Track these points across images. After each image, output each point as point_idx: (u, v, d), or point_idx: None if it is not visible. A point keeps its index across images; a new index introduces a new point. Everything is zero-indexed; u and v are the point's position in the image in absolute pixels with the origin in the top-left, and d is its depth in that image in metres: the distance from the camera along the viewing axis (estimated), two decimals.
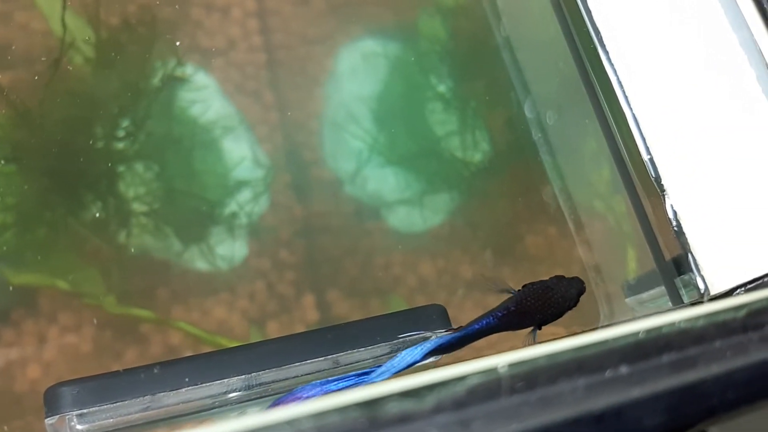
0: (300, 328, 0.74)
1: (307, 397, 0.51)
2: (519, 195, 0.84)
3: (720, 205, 0.58)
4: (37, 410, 0.54)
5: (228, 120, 0.80)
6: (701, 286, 0.57)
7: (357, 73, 0.85)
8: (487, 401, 0.29)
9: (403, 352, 0.53)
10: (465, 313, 0.76)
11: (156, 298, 0.72)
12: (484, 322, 0.54)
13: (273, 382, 0.54)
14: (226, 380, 0.52)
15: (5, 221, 0.71)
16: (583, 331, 0.48)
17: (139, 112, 0.77)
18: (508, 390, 0.30)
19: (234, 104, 0.81)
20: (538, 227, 0.82)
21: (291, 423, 0.27)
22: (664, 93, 0.61)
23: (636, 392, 0.31)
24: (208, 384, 0.52)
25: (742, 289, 0.56)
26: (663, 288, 0.63)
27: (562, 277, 0.58)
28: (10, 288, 0.69)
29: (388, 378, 0.52)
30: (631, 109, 0.61)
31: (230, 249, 0.75)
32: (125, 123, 0.76)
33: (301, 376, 0.54)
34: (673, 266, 0.60)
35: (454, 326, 0.56)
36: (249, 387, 0.53)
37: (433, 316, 0.56)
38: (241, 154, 0.79)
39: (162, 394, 0.51)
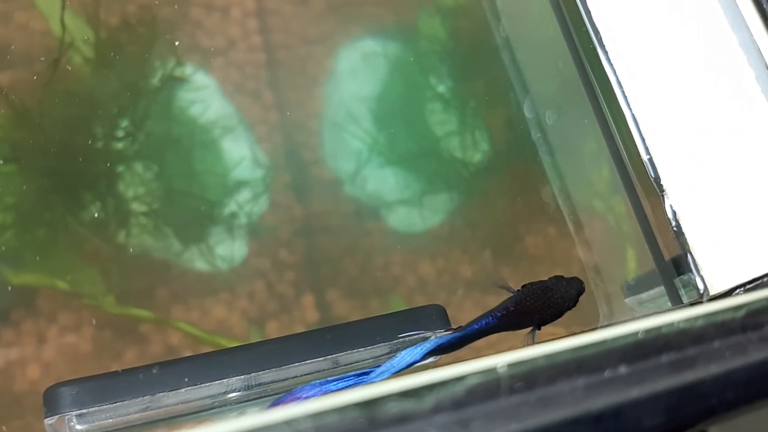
0: (300, 328, 0.74)
1: (307, 398, 0.51)
2: (518, 195, 0.84)
3: (719, 205, 0.58)
4: (37, 410, 0.54)
5: (227, 120, 0.80)
6: (700, 286, 0.57)
7: (357, 73, 0.85)
8: (486, 401, 0.29)
9: (403, 352, 0.53)
10: (464, 313, 0.76)
11: (155, 298, 0.72)
12: (484, 322, 0.54)
13: (272, 382, 0.54)
14: (225, 380, 0.52)
15: (5, 221, 0.71)
16: (582, 332, 0.48)
17: (138, 112, 0.77)
18: (507, 390, 0.30)
19: (233, 104, 0.81)
20: (537, 227, 0.82)
21: (290, 423, 0.27)
22: (663, 93, 0.61)
23: (635, 392, 0.31)
24: (207, 384, 0.52)
25: (742, 289, 0.56)
26: (662, 288, 0.63)
27: (562, 277, 0.58)
28: (9, 288, 0.69)
29: (388, 378, 0.52)
30: (630, 109, 0.61)
31: (230, 249, 0.75)
32: (124, 123, 0.76)
33: (301, 376, 0.54)
34: (673, 266, 0.60)
35: (454, 326, 0.56)
36: (248, 387, 0.53)
37: (433, 316, 0.56)
38: (240, 154, 0.79)
39: (161, 394, 0.51)
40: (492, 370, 0.31)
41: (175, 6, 0.82)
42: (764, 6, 0.59)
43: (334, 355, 0.54)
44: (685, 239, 0.58)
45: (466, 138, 0.85)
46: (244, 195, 0.78)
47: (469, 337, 0.54)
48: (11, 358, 0.67)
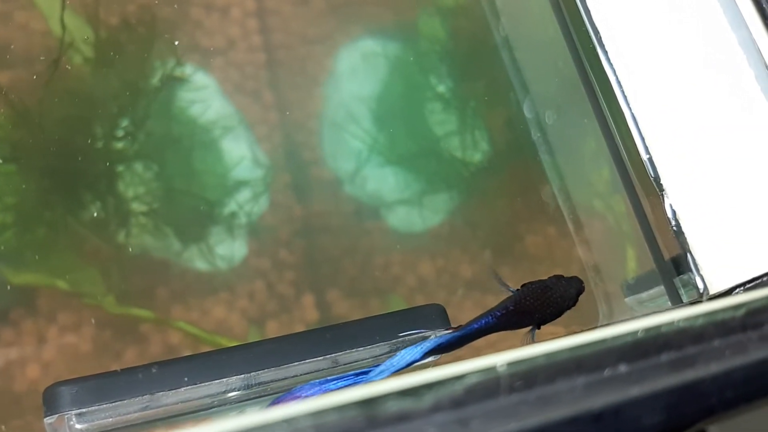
0: (299, 328, 0.74)
1: (306, 397, 0.51)
2: (518, 195, 0.84)
3: (719, 204, 0.58)
4: (37, 410, 0.54)
5: (227, 120, 0.80)
6: (700, 285, 0.57)
7: (357, 73, 0.85)
8: (485, 400, 0.29)
9: (402, 352, 0.53)
10: (464, 312, 0.76)
11: (155, 298, 0.72)
12: (483, 321, 0.54)
13: (272, 381, 0.54)
14: (225, 380, 0.52)
15: (4, 221, 0.71)
16: (582, 331, 0.48)
17: (138, 112, 0.77)
18: (506, 389, 0.30)
19: (233, 104, 0.81)
20: (537, 227, 0.82)
21: (289, 422, 0.27)
22: (663, 92, 0.61)
23: (635, 391, 0.31)
24: (207, 383, 0.52)
25: (741, 288, 0.56)
26: (662, 287, 0.63)
27: (561, 276, 0.58)
28: (9, 288, 0.69)
29: (387, 377, 0.52)
30: (630, 108, 0.61)
31: (230, 249, 0.75)
32: (124, 122, 0.76)
33: (300, 375, 0.54)
34: (672, 266, 0.60)
35: (453, 325, 0.56)
36: (248, 386, 0.53)
37: (432, 315, 0.56)
38: (240, 153, 0.79)
39: (161, 393, 0.51)
40: (491, 369, 0.31)
41: (175, 6, 0.82)
42: (763, 5, 0.59)
43: (333, 355, 0.54)
44: (685, 238, 0.58)
45: (465, 138, 0.85)
46: (244, 195, 0.78)
47: (469, 337, 0.54)
48: (11, 357, 0.67)
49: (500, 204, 0.84)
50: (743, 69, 0.61)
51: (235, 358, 0.53)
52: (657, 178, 0.59)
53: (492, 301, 0.57)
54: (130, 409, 0.52)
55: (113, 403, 0.50)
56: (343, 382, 0.51)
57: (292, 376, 0.54)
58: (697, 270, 0.57)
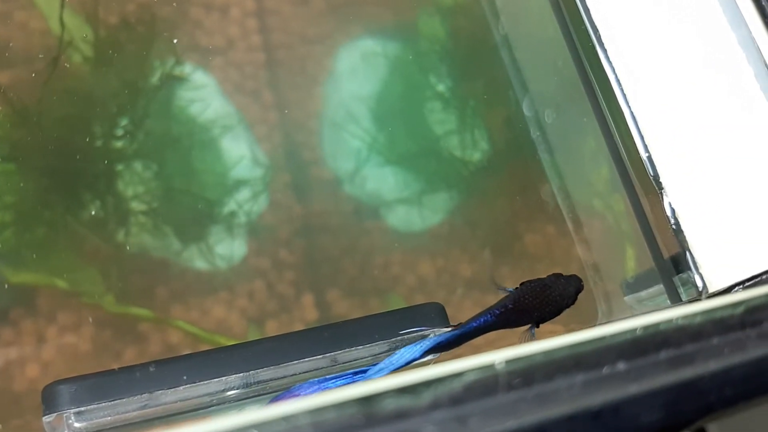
0: (299, 328, 0.74)
1: (305, 395, 0.51)
2: (517, 194, 0.84)
3: (718, 203, 0.58)
4: (36, 409, 0.54)
5: (227, 119, 0.80)
6: (699, 284, 0.57)
7: (356, 72, 0.85)
8: (484, 398, 0.29)
9: (402, 350, 0.53)
10: (464, 311, 0.76)
11: (155, 297, 0.72)
12: (482, 319, 0.54)
13: (271, 380, 0.54)
14: (224, 378, 0.52)
15: (3, 220, 0.71)
16: (581, 329, 0.47)
17: (137, 111, 0.77)
18: (505, 386, 0.30)
19: (233, 103, 0.81)
20: (536, 226, 0.82)
21: (287, 419, 0.27)
22: (662, 91, 0.61)
23: (633, 389, 0.31)
24: (206, 382, 0.52)
25: (740, 286, 0.56)
26: (661, 286, 0.63)
27: (560, 275, 0.58)
28: (8, 287, 0.69)
29: (386, 375, 0.52)
30: (629, 107, 0.61)
31: (229, 248, 0.75)
32: (124, 122, 0.76)
33: (299, 374, 0.54)
34: (672, 264, 0.60)
35: (453, 324, 0.56)
36: (247, 385, 0.53)
37: (432, 314, 0.56)
38: (240, 153, 0.79)
39: (160, 392, 0.51)
40: (490, 367, 0.31)
41: (175, 5, 0.82)
42: (763, 4, 0.59)
43: (332, 353, 0.54)
44: (684, 237, 0.58)
45: (465, 137, 0.85)
46: (244, 194, 0.78)
47: (468, 335, 0.54)
48: (10, 357, 0.67)
49: (500, 203, 0.84)
50: (743, 68, 0.61)
51: (233, 356, 0.53)
52: (656, 177, 0.59)
53: (491, 300, 0.57)
54: (129, 407, 0.52)
55: (112, 402, 0.50)
56: (342, 381, 0.51)
57: (291, 375, 0.54)
58: (696, 268, 0.57)
